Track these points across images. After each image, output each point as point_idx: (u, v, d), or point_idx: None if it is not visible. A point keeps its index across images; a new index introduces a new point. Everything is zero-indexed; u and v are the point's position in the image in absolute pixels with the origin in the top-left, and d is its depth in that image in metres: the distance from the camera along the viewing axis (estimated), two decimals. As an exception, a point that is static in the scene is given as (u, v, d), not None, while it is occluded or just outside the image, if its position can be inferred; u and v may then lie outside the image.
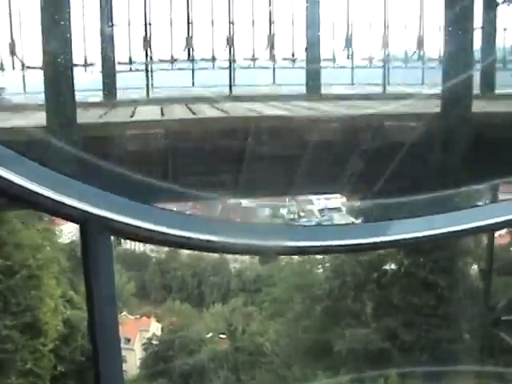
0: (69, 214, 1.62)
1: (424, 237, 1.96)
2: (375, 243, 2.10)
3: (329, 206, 27.72)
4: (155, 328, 21.81)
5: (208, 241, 1.77)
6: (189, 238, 1.74)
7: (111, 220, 1.63)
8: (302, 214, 29.46)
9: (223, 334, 20.42)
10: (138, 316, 22.17)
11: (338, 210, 26.30)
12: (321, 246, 2.01)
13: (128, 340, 19.88)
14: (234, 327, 20.04)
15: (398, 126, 7.18)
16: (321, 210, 28.05)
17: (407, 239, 1.97)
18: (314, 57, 10.45)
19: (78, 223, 1.65)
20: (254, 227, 2.14)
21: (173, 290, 25.08)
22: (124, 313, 19.44)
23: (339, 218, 23.92)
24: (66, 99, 6.51)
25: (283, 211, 29.60)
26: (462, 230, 2.02)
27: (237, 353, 18.79)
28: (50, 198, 1.55)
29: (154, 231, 1.70)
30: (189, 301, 23.96)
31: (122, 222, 1.65)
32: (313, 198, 29.15)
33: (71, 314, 15.60)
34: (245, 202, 29.94)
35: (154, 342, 20.62)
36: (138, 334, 21.10)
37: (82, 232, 1.66)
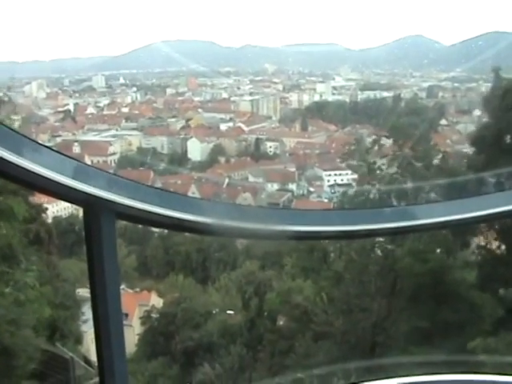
0: (72, 196, 1.58)
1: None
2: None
3: (339, 182, 27.62)
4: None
5: (214, 224, 1.74)
6: (194, 222, 1.70)
7: (115, 203, 1.59)
8: (311, 189, 29.41)
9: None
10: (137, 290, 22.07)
11: (348, 186, 26.20)
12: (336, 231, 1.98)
13: (125, 315, 19.66)
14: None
15: None
16: (331, 186, 27.96)
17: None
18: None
19: (81, 206, 1.61)
20: (263, 211, 2.10)
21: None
22: (122, 286, 18.95)
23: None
24: None
25: (293, 186, 29.55)
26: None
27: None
28: (53, 180, 1.50)
29: (160, 215, 1.66)
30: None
31: (126, 205, 1.60)
32: (323, 174, 29.06)
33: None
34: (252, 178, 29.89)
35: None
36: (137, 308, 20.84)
37: (86, 215, 1.62)
